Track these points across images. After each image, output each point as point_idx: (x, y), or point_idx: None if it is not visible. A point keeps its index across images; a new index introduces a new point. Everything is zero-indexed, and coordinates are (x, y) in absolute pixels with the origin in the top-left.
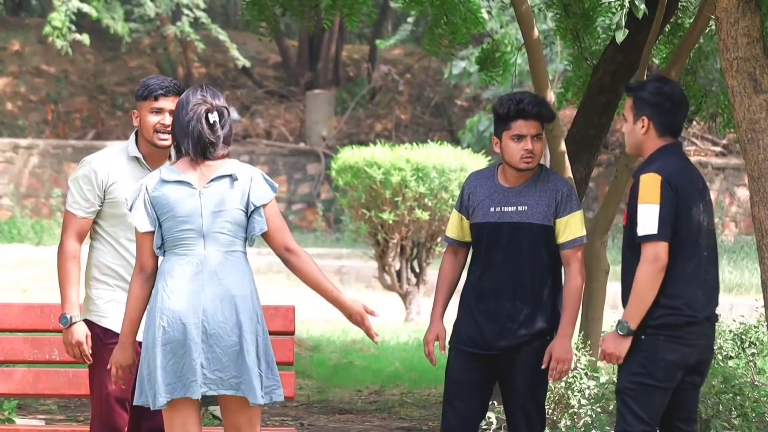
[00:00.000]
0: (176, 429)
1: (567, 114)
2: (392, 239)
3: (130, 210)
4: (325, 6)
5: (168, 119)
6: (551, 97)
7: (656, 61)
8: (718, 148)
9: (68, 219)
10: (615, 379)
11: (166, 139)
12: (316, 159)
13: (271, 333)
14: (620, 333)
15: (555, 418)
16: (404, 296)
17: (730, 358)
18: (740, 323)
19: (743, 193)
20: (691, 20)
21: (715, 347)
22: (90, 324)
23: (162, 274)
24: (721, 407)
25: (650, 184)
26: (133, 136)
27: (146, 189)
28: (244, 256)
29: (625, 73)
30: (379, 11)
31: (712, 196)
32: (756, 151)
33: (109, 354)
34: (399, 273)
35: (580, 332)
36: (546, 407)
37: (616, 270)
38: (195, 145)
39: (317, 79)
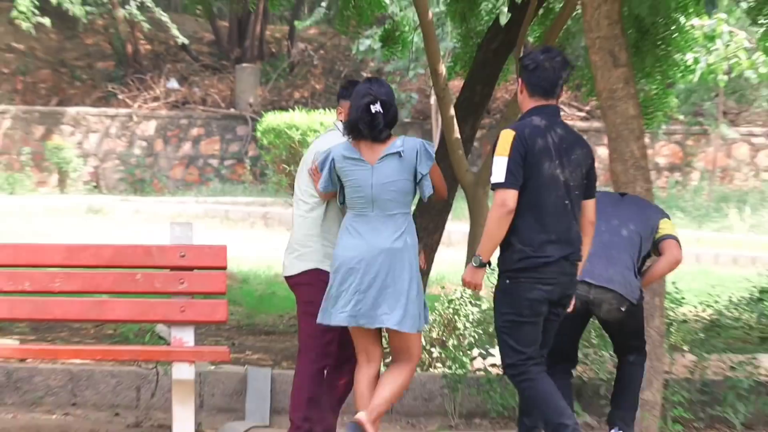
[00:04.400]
0: (360, 344)
1: (456, 84)
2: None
3: (321, 170)
4: None
5: None
6: (443, 69)
7: (531, 40)
8: (582, 114)
9: None
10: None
11: None
12: (245, 122)
13: (206, 268)
14: (474, 264)
15: (444, 338)
16: None
17: None
18: None
19: (603, 151)
20: (561, 5)
21: None
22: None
23: (342, 228)
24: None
25: (504, 138)
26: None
27: (333, 160)
28: (406, 217)
29: (504, 50)
30: None
31: None
32: (614, 116)
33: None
34: None
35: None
36: (435, 329)
37: None
38: (362, 131)
39: (245, 55)
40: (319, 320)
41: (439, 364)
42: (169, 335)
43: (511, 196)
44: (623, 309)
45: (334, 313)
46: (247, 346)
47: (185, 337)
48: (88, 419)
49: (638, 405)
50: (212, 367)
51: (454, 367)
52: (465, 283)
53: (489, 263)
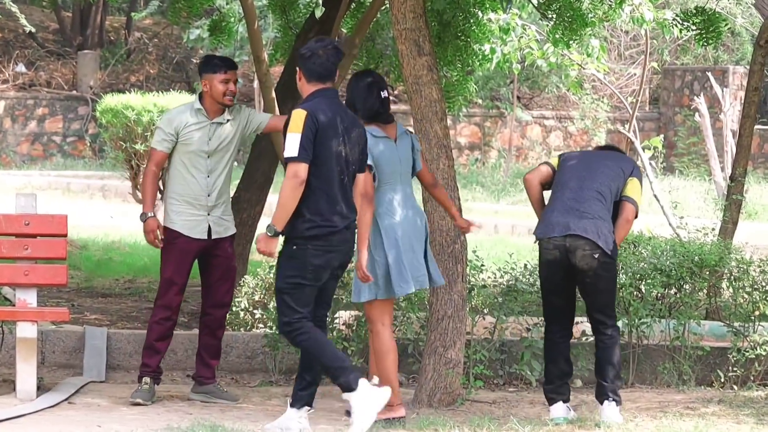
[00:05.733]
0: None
1: (276, 70)
2: (143, 165)
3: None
4: None
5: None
6: (265, 56)
7: (344, 31)
8: (390, 98)
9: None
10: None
11: (231, 100)
12: (86, 103)
13: (48, 235)
14: (269, 234)
15: (265, 301)
16: None
17: None
18: None
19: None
20: (371, 0)
21: None
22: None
23: (386, 202)
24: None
25: (297, 117)
26: (197, 96)
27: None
28: None
29: None
30: None
31: None
32: (419, 100)
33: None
34: None
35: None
36: (258, 292)
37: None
38: (380, 114)
39: (86, 42)
40: (389, 296)
41: (261, 325)
42: (14, 297)
43: (303, 169)
44: (596, 256)
45: (405, 283)
46: (85, 307)
47: (29, 298)
48: None
49: (621, 375)
50: (53, 327)
51: (274, 328)
52: (260, 251)
53: (282, 232)
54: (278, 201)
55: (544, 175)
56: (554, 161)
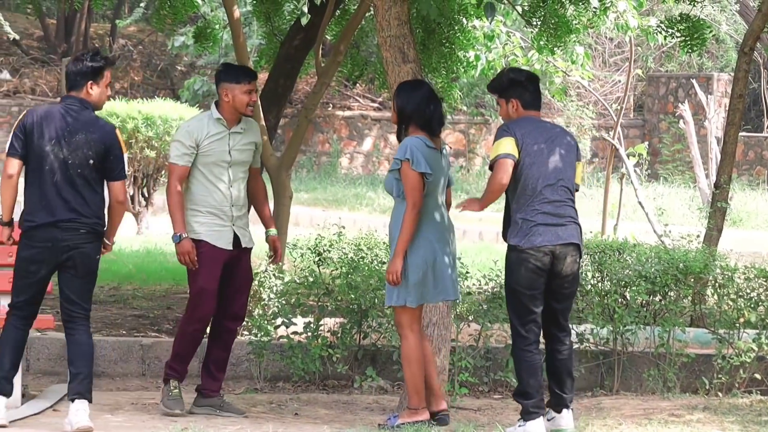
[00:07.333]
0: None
1: (261, 77)
2: (127, 172)
3: (417, 161)
4: None
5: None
6: (249, 64)
7: (329, 38)
8: (375, 104)
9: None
10: (297, 279)
11: (252, 110)
12: None
13: None
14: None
15: (250, 308)
16: (136, 215)
17: (383, 263)
18: None
19: (394, 138)
20: (356, 6)
21: (372, 255)
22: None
23: (428, 213)
24: (376, 300)
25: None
26: (214, 106)
27: (415, 150)
28: None
29: (305, 46)
30: None
31: (370, 141)
32: None
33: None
34: (132, 197)
35: None
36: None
37: (298, 196)
38: (438, 126)
39: (71, 49)
40: (419, 303)
41: (245, 332)
42: None
43: (10, 163)
44: (578, 261)
45: (439, 291)
46: None
47: None
48: None
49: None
50: (38, 334)
51: (259, 335)
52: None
53: (10, 222)
54: None
55: (511, 170)
56: (512, 149)
